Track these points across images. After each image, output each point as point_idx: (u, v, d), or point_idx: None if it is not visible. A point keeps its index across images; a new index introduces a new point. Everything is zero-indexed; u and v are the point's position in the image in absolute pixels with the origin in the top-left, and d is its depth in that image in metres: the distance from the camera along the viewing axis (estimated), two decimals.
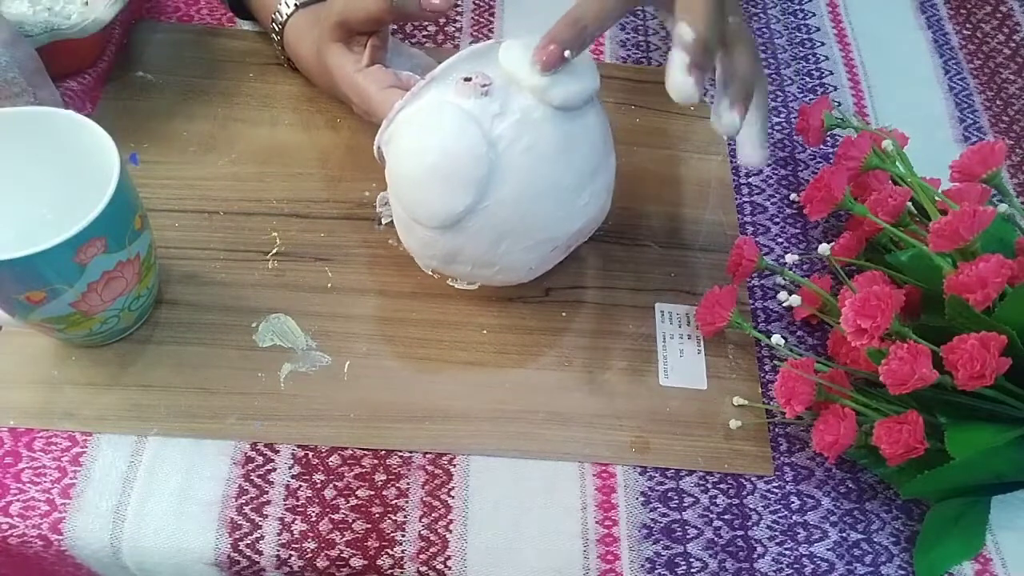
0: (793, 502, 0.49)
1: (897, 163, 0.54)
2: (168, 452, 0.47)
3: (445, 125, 0.44)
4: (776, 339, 0.50)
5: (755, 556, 0.47)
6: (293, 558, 0.45)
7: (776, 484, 0.49)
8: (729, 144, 0.63)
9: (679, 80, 0.42)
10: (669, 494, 0.48)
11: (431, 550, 0.45)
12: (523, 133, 0.45)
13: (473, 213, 0.45)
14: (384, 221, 0.56)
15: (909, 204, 0.52)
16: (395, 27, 0.67)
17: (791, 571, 0.47)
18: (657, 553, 0.46)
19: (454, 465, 0.48)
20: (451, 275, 0.52)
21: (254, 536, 0.45)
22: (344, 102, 0.57)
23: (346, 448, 0.48)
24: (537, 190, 0.46)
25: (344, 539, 0.45)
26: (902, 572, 0.47)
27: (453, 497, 0.47)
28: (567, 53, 0.43)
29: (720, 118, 0.45)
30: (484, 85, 0.44)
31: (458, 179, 0.44)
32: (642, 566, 0.46)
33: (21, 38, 0.52)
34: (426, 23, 0.68)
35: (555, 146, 0.45)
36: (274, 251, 0.54)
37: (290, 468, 0.47)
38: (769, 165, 0.63)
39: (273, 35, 0.60)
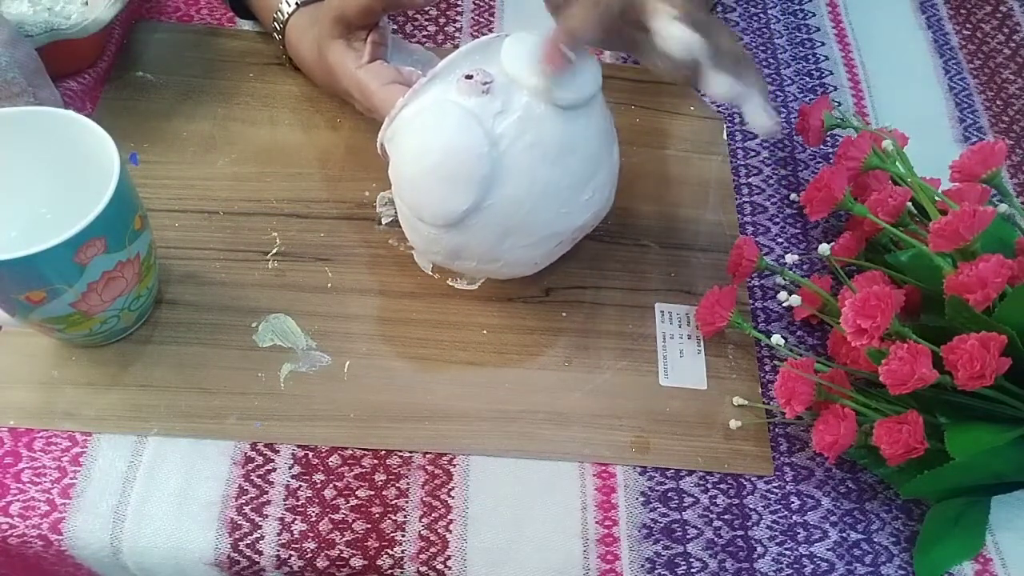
0: (793, 502, 0.49)
1: (897, 163, 0.54)
2: (168, 452, 0.47)
3: (447, 125, 0.44)
4: (776, 339, 0.50)
5: (755, 556, 0.47)
6: (293, 558, 0.45)
7: (776, 484, 0.49)
8: (729, 144, 0.63)
9: (678, 35, 0.43)
10: (669, 494, 0.48)
11: (431, 550, 0.45)
12: (525, 131, 0.45)
13: (477, 211, 0.45)
14: (384, 221, 0.56)
15: (909, 204, 0.52)
16: (394, 27, 0.67)
17: (791, 571, 0.47)
18: (657, 553, 0.46)
19: (454, 465, 0.48)
20: (456, 270, 0.52)
21: (254, 536, 0.45)
22: (346, 100, 0.57)
23: (346, 448, 0.48)
24: (541, 188, 0.46)
25: (344, 539, 0.45)
26: (902, 572, 0.47)
27: (453, 497, 0.47)
28: (571, 55, 0.43)
29: (710, 83, 0.45)
30: (486, 83, 0.44)
31: (461, 179, 0.44)
32: (642, 566, 0.46)
33: (21, 38, 0.52)
34: (426, 23, 0.68)
35: (558, 143, 0.45)
36: (274, 251, 0.54)
37: (290, 468, 0.47)
38: (769, 165, 0.63)
39: (274, 34, 0.60)
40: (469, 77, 0.45)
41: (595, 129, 0.47)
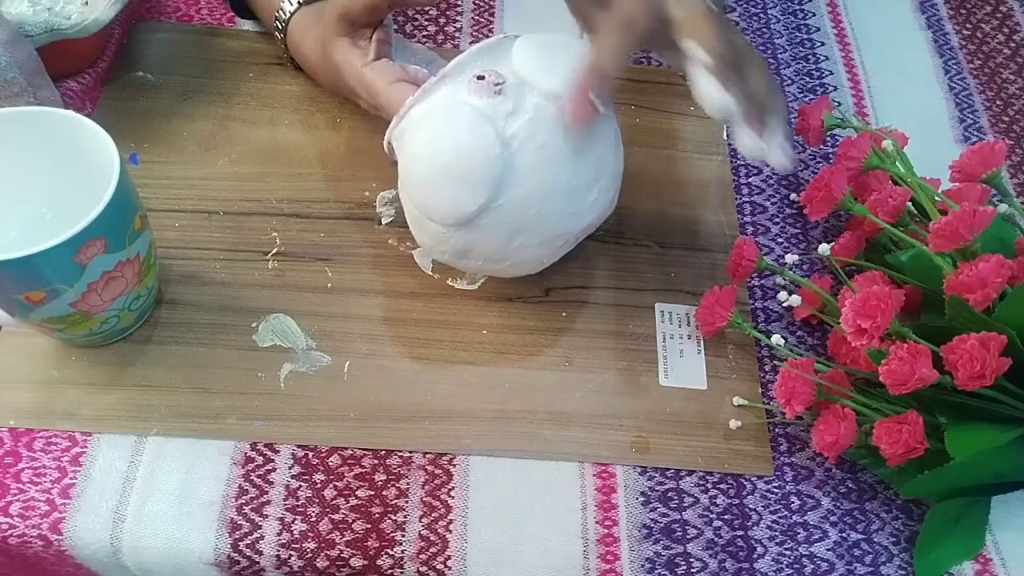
0: (793, 502, 0.49)
1: (897, 163, 0.54)
2: (168, 452, 0.47)
3: (458, 125, 0.44)
4: (776, 339, 0.50)
5: (755, 556, 0.47)
6: (293, 558, 0.45)
7: (776, 484, 0.49)
8: (729, 144, 0.63)
9: (715, 97, 0.43)
10: (669, 494, 0.48)
11: (431, 550, 0.45)
12: (536, 132, 0.45)
13: (486, 211, 0.45)
14: (384, 221, 0.56)
15: (909, 204, 0.52)
16: (395, 27, 0.67)
17: (791, 571, 0.47)
18: (657, 553, 0.46)
19: (454, 465, 0.48)
20: (462, 269, 0.52)
21: (254, 536, 0.45)
22: (349, 99, 0.57)
23: (346, 448, 0.48)
24: (550, 188, 0.46)
25: (344, 539, 0.45)
26: (902, 572, 0.47)
27: (453, 497, 0.47)
28: (599, 104, 0.44)
29: (738, 138, 0.45)
30: (497, 84, 0.44)
31: (472, 179, 0.44)
32: (642, 566, 0.46)
33: (21, 38, 0.52)
34: (426, 23, 0.68)
35: (568, 145, 0.46)
36: (274, 251, 0.54)
37: (290, 468, 0.47)
38: (769, 165, 0.63)
39: (276, 33, 0.60)
40: (481, 78, 0.45)
41: (604, 131, 0.48)
